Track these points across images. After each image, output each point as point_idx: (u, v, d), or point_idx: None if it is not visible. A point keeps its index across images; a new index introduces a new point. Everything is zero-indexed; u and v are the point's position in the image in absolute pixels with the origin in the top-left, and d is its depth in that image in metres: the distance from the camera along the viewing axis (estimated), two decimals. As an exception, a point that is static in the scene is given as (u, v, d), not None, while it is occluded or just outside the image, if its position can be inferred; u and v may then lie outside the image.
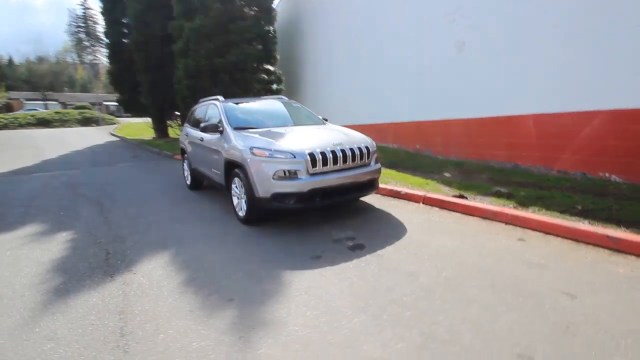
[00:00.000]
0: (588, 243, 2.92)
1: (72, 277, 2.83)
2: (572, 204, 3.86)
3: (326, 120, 5.10)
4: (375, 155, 4.12)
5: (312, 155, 3.49)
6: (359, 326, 2.01)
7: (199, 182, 6.11)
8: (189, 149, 5.85)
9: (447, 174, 5.87)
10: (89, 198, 5.87)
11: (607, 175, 4.34)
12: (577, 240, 2.99)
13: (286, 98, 5.64)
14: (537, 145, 5.14)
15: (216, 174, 4.62)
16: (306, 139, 3.84)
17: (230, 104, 4.87)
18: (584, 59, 4.42)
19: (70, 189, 6.74)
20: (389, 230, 3.58)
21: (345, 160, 3.69)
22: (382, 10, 8.33)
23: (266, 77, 12.91)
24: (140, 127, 24.84)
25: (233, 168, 4.08)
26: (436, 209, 4.26)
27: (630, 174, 4.10)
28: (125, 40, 15.95)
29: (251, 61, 12.29)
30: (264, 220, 3.96)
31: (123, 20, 15.86)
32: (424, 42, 7.08)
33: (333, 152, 3.60)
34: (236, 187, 4.08)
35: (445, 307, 2.15)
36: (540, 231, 3.26)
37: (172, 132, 18.70)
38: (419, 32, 7.18)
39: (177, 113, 16.66)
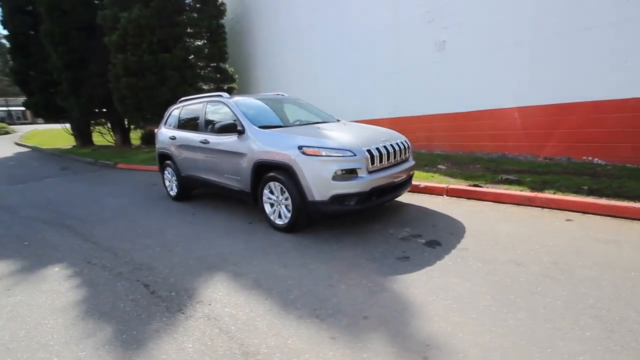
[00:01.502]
0: (627, 217, 3.31)
1: (127, 322, 2.18)
2: (577, 185, 4.34)
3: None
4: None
5: (370, 152, 3.28)
6: (534, 323, 1.90)
7: (188, 192, 5.38)
8: (177, 154, 5.07)
9: (441, 167, 6.15)
10: (44, 221, 4.72)
11: (590, 158, 5.02)
12: (615, 216, 3.37)
13: (286, 94, 5.27)
14: (523, 135, 5.71)
15: (234, 179, 4.08)
16: (351, 135, 3.62)
17: (242, 100, 4.35)
18: (564, 56, 5.03)
19: (8, 212, 5.34)
20: (442, 223, 3.57)
21: (394, 157, 3.58)
22: (351, 10, 8.38)
23: (218, 75, 12.02)
24: (52, 134, 21.08)
25: (266, 171, 3.65)
26: (463, 199, 4.41)
27: (610, 156, 4.79)
28: (32, 32, 13.27)
29: (201, 58, 11.31)
30: (308, 226, 3.62)
31: (28, 8, 13.18)
32: (402, 41, 7.32)
33: (385, 148, 3.46)
34: (270, 192, 3.65)
35: (585, 289, 2.18)
36: (577, 211, 3.59)
37: (98, 139, 16.33)
38: (397, 32, 7.39)
39: (102, 119, 14.55)
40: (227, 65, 12.50)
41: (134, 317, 2.22)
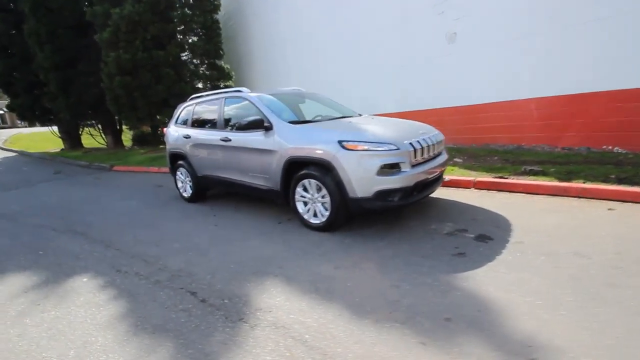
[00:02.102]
0: (668, 204, 3.30)
1: (187, 335, 2.00)
2: (604, 174, 4.33)
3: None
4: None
5: (412, 145, 3.16)
6: (627, 317, 1.80)
7: (203, 193, 5.16)
8: (192, 154, 4.84)
9: (458, 160, 6.10)
10: (52, 228, 4.44)
11: (610, 147, 5.04)
12: (657, 204, 3.36)
13: (304, 89, 5.10)
14: (540, 126, 5.69)
15: (261, 177, 3.90)
16: (389, 129, 3.49)
17: (264, 95, 4.15)
18: (581, 46, 5.02)
19: (10, 220, 5.01)
20: (482, 217, 3.48)
21: (431, 151, 3.47)
22: (357, 2, 8.24)
23: (215, 72, 11.70)
24: (38, 137, 20.25)
25: (299, 168, 3.49)
26: (493, 191, 4.34)
27: (631, 145, 4.82)
28: (14, 32, 12.61)
29: (197, 55, 10.98)
30: (344, 224, 3.48)
31: (10, 7, 12.51)
32: (411, 33, 7.22)
33: (425, 141, 3.34)
34: (303, 190, 3.49)
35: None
36: (615, 200, 3.57)
37: (88, 141, 15.76)
38: (405, 23, 7.29)
39: (92, 121, 13.99)
40: (222, 62, 12.21)
41: (192, 329, 2.04)
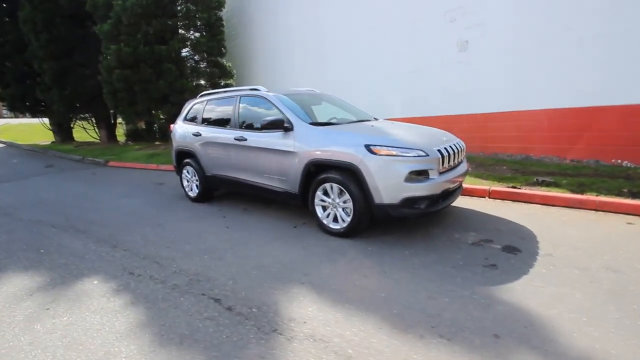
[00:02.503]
0: (689, 220, 3.31)
1: (219, 346, 1.86)
2: (616, 187, 4.34)
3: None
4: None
5: (440, 152, 3.10)
6: None
7: (210, 193, 5.00)
8: (202, 152, 4.69)
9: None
10: (52, 225, 4.24)
11: (619, 161, 5.08)
12: (676, 219, 3.37)
13: (317, 90, 5.00)
14: (550, 138, 5.72)
15: (278, 179, 3.77)
16: (414, 134, 3.42)
17: (283, 95, 4.04)
18: (595, 59, 5.07)
19: (4, 215, 4.77)
20: (505, 227, 3.43)
21: (455, 159, 3.41)
22: (367, 6, 8.21)
23: (217, 70, 11.52)
24: (27, 129, 19.62)
25: (320, 172, 3.39)
26: (508, 201, 4.31)
27: (640, 159, 4.88)
28: (8, 19, 12.18)
29: (200, 51, 10.78)
30: (364, 230, 3.39)
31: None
32: (422, 40, 7.22)
33: (451, 148, 3.28)
34: (324, 194, 3.39)
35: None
36: (632, 214, 3.57)
37: (80, 135, 15.33)
38: (416, 30, 7.28)
39: (86, 114, 13.59)
40: (224, 60, 12.04)
41: (224, 340, 1.91)
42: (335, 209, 3.35)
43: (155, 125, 14.96)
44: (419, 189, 2.98)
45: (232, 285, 2.54)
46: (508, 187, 4.61)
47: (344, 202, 3.25)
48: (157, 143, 14.26)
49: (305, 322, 2.04)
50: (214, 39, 11.07)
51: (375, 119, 4.48)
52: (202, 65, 11.28)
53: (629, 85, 4.84)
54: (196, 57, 11.45)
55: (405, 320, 2.02)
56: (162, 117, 11.23)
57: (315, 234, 3.49)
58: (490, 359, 1.69)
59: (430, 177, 3.03)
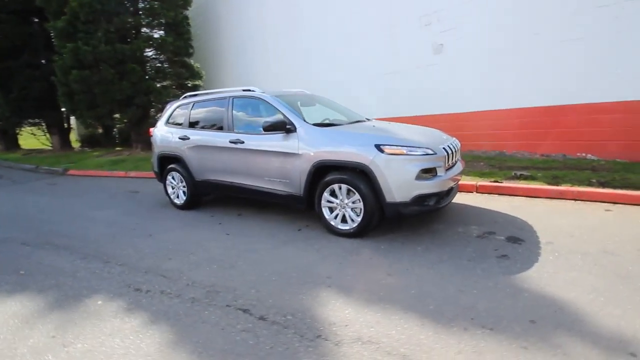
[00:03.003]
0: (654, 205, 3.72)
1: (267, 358, 1.77)
2: (586, 178, 4.77)
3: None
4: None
5: (445, 150, 3.21)
6: None
7: (199, 199, 4.78)
8: (191, 157, 4.45)
9: (446, 165, 6.37)
10: (23, 242, 3.84)
11: (584, 154, 5.60)
12: (644, 204, 3.77)
13: (307, 91, 4.96)
14: (521, 135, 6.16)
15: (280, 182, 3.69)
16: (418, 134, 3.50)
17: (280, 96, 3.95)
18: (561, 62, 5.54)
19: (-40, 234, 4.19)
20: (500, 219, 3.63)
21: (455, 156, 3.55)
22: (341, 7, 8.30)
23: (184, 70, 11.02)
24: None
25: (327, 173, 3.36)
26: (494, 195, 4.57)
27: (601, 152, 5.40)
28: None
29: (166, 51, 10.25)
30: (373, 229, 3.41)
31: None
32: (398, 42, 7.44)
33: (451, 147, 3.41)
34: (330, 195, 3.36)
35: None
36: (607, 202, 3.94)
37: (26, 142, 13.94)
38: (392, 33, 7.49)
39: (36, 119, 12.34)
40: (192, 60, 11.56)
41: (270, 352, 1.82)
42: (343, 210, 3.34)
43: (115, 129, 14.02)
44: (429, 187, 3.07)
45: (255, 294, 2.44)
46: (491, 181, 4.90)
47: (353, 202, 3.26)
48: (117, 149, 13.36)
49: (347, 325, 2.02)
50: (181, 38, 10.58)
51: (368, 119, 4.54)
52: (167, 66, 10.72)
53: (590, 86, 5.36)
54: (161, 58, 10.87)
55: (443, 314, 2.06)
56: (124, 120, 10.50)
57: (323, 236, 3.46)
58: (536, 343, 1.77)
59: (437, 174, 3.13)
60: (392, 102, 7.83)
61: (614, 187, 4.26)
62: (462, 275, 2.52)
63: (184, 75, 10.97)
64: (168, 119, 4.88)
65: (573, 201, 4.12)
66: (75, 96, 9.35)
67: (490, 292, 2.27)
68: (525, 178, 5.02)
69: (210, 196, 5.13)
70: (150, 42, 9.85)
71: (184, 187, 4.70)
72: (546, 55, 5.66)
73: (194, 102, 4.61)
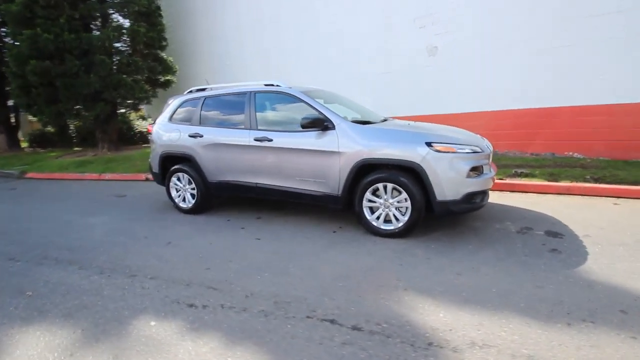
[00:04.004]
0: (654, 198, 4.08)
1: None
2: (580, 175, 5.14)
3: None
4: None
5: (489, 148, 3.25)
6: None
7: (210, 202, 4.42)
8: (205, 156, 4.08)
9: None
10: (11, 258, 3.30)
11: (571, 153, 6.05)
12: (644, 198, 4.13)
13: (326, 89, 4.79)
14: (512, 135, 6.51)
15: (315, 182, 3.50)
16: (451, 132, 3.51)
17: (308, 91, 3.75)
18: (551, 66, 5.94)
19: None
20: (528, 215, 3.73)
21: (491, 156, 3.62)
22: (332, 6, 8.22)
23: (157, 64, 10.26)
24: None
25: (370, 171, 3.25)
26: (506, 192, 4.77)
27: (587, 151, 5.87)
28: None
29: (141, 43, 9.46)
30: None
31: None
32: (392, 44, 7.51)
33: (490, 146, 3.47)
34: (372, 194, 3.25)
35: None
36: (611, 196, 4.26)
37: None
38: (386, 34, 7.54)
39: None
40: (164, 54, 10.79)
41: (389, 365, 1.68)
42: (387, 210, 3.25)
43: (72, 128, 12.70)
44: (477, 184, 3.08)
45: (331, 302, 2.26)
46: (498, 179, 5.11)
47: (398, 201, 3.18)
48: (77, 149, 12.10)
49: (451, 330, 1.92)
50: (154, 29, 9.82)
51: (385, 119, 4.50)
52: (139, 59, 9.87)
53: (577, 89, 5.81)
54: (130, 50, 9.98)
55: (539, 311, 2.05)
56: (90, 117, 9.48)
57: (364, 237, 3.34)
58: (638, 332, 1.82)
59: (484, 172, 3.16)
60: (385, 102, 7.88)
61: (607, 183, 4.63)
62: (528, 271, 2.55)
63: (156, 70, 10.20)
64: (172, 115, 4.45)
65: (580, 196, 4.41)
66: (32, 90, 8.26)
67: (566, 286, 2.31)
68: (526, 175, 5.29)
69: (217, 199, 4.77)
70: (122, 32, 8.98)
71: (192, 189, 4.31)
72: (537, 60, 6.04)
73: (205, 97, 4.25)
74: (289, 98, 3.71)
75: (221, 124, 4.08)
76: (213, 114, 4.16)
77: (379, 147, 3.19)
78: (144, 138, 12.21)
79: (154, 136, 4.57)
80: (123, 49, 9.73)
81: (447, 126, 4.03)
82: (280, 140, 3.61)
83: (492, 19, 6.39)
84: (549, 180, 4.92)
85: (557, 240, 3.07)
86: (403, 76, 7.57)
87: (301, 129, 3.51)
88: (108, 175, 7.34)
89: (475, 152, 3.09)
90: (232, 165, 3.96)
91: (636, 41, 5.28)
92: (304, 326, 2.02)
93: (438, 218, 3.65)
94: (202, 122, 4.19)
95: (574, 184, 4.58)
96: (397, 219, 3.22)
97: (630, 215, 3.63)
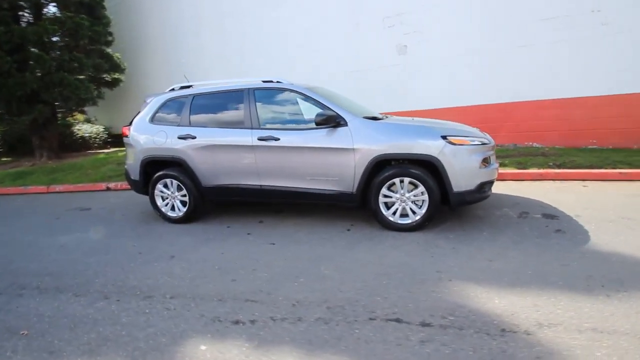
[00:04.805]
0: (615, 180, 4.64)
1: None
2: (544, 162, 5.72)
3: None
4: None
5: (492, 140, 3.43)
6: None
7: (202, 208, 4.09)
8: (200, 159, 3.75)
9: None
10: None
11: (530, 143, 6.67)
12: (606, 180, 4.67)
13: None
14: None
15: (328, 181, 3.41)
16: (459, 125, 3.65)
17: (310, 88, 3.62)
18: (511, 65, 6.49)
19: None
20: (519, 201, 4.04)
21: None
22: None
23: (103, 61, 9.26)
24: None
25: (383, 168, 3.26)
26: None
27: (544, 141, 6.52)
28: None
29: (83, 37, 8.45)
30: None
31: None
32: (362, 42, 7.63)
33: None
34: (388, 189, 3.26)
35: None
36: (577, 180, 4.78)
37: None
38: (356, 34, 7.64)
39: None
40: (110, 50, 9.79)
41: (483, 356, 1.67)
42: (404, 204, 3.28)
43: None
44: (487, 174, 3.25)
45: (384, 301, 2.20)
46: (476, 169, 5.47)
47: (415, 195, 3.23)
48: (5, 159, 10.46)
49: (513, 314, 1.98)
50: (99, 23, 8.84)
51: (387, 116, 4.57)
52: (83, 55, 8.80)
53: (535, 86, 6.43)
54: (72, 45, 8.86)
55: (577, 287, 2.20)
56: (25, 121, 8.21)
57: (381, 233, 3.33)
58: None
59: (491, 162, 3.34)
60: (358, 100, 8.00)
61: (568, 168, 5.22)
62: (547, 251, 2.74)
63: (103, 67, 9.20)
64: (154, 116, 4.02)
65: (552, 181, 4.89)
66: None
67: (587, 262, 2.53)
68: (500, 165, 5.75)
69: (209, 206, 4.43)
70: (62, 25, 7.90)
71: (182, 196, 3.94)
72: (499, 59, 6.57)
73: (194, 95, 3.90)
74: (293, 95, 3.56)
75: (216, 123, 3.78)
76: (205, 113, 3.84)
77: (394, 142, 3.20)
78: (87, 144, 10.97)
79: (131, 140, 4.08)
80: (62, 44, 8.58)
81: (448, 121, 4.19)
82: (288, 138, 3.45)
83: (456, 21, 6.81)
84: (518, 169, 5.39)
85: (556, 222, 3.36)
86: (372, 74, 7.74)
87: (309, 127, 3.42)
88: (58, 187, 6.44)
89: (483, 143, 3.25)
90: (231, 168, 3.70)
91: (582, 42, 5.99)
92: (372, 329, 1.95)
93: (441, 210, 3.79)
94: (192, 122, 3.84)
95: (547, 170, 5.07)
96: (413, 213, 3.27)
97: (602, 195, 4.11)
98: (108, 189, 6.26)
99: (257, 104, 3.65)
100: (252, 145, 3.55)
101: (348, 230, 3.51)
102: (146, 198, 4.24)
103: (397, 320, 2.00)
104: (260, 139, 3.51)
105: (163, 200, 4.05)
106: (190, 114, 3.86)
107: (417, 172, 3.15)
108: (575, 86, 6.13)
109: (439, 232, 3.28)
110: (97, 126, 11.50)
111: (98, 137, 11.33)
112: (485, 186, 3.28)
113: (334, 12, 7.84)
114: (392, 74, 7.52)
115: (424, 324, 1.96)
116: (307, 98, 3.49)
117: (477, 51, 6.73)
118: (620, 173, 4.65)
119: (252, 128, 3.59)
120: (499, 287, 2.28)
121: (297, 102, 3.64)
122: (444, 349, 1.76)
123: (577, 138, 6.24)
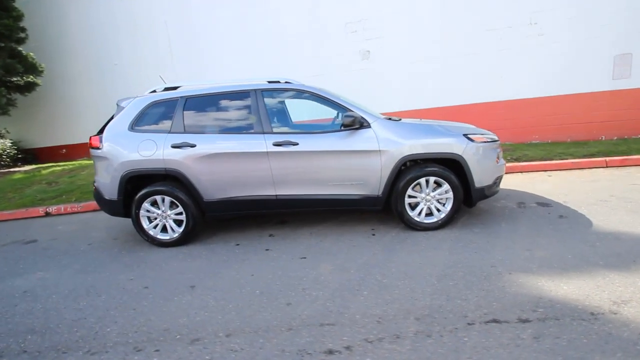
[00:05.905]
0: (572, 169, 5.34)
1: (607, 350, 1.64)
2: (504, 157, 6.37)
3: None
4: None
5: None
6: None
7: (197, 225, 3.59)
8: (201, 171, 3.27)
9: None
10: None
11: (487, 141, 7.37)
12: (562, 169, 5.36)
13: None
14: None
15: (352, 185, 3.27)
16: (459, 124, 3.80)
17: (321, 89, 3.42)
18: (464, 69, 7.11)
19: None
20: (509, 192, 4.40)
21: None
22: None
23: (15, 62, 7.68)
24: None
25: (407, 168, 3.25)
26: (466, 177, 5.47)
27: (514, 138, 7.22)
28: None
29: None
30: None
31: None
32: (323, 47, 7.61)
33: (485, 135, 3.91)
34: (412, 189, 3.25)
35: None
36: (541, 171, 5.40)
37: None
38: (316, 38, 7.59)
39: None
40: (21, 48, 8.17)
41: (589, 343, 1.70)
42: (428, 203, 3.30)
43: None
44: (500, 169, 3.46)
45: (466, 303, 2.14)
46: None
47: (439, 194, 3.27)
48: None
49: (588, 296, 2.09)
50: (9, 16, 7.29)
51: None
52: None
53: (484, 89, 7.14)
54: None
55: (618, 265, 2.42)
56: None
57: (409, 234, 3.31)
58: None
59: (500, 158, 3.56)
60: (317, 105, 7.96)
61: (522, 161, 5.91)
62: (567, 235, 2.99)
63: (15, 69, 7.61)
64: (135, 122, 3.39)
65: (520, 173, 5.46)
66: None
67: (606, 241, 2.82)
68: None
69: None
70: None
71: (176, 214, 3.40)
72: (454, 65, 7.16)
73: (187, 98, 3.39)
74: (308, 96, 3.34)
75: (219, 129, 3.33)
76: (203, 117, 3.37)
77: (420, 142, 3.20)
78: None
79: (105, 151, 3.38)
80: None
81: (447, 120, 4.36)
82: (308, 143, 3.20)
83: (416, 28, 7.24)
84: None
85: (552, 209, 3.72)
86: (336, 79, 7.78)
87: (327, 130, 3.24)
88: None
89: (494, 140, 3.45)
90: (241, 178, 3.30)
91: (522, 50, 6.85)
92: (479, 334, 1.87)
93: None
94: (187, 128, 3.33)
95: (515, 163, 5.64)
96: (438, 211, 3.31)
97: (569, 183, 4.70)
98: (48, 214, 5.12)
99: (267, 106, 3.33)
100: (267, 152, 3.22)
101: (373, 235, 3.40)
102: (112, 221, 3.59)
103: (495, 321, 1.96)
104: (276, 144, 3.20)
105: (152, 222, 3.44)
106: (184, 119, 3.35)
107: (444, 171, 3.20)
108: (518, 89, 6.99)
109: (460, 228, 3.37)
110: (2, 141, 9.45)
111: (4, 153, 9.31)
112: (499, 180, 3.49)
113: (296, 16, 7.70)
114: (356, 79, 7.66)
115: (522, 320, 1.95)
116: (320, 98, 3.32)
117: (434, 58, 7.24)
118: (573, 163, 5.41)
119: (264, 133, 3.26)
120: (557, 274, 2.40)
121: (308, 104, 3.42)
122: (559, 341, 1.76)
123: (522, 134, 7.10)
